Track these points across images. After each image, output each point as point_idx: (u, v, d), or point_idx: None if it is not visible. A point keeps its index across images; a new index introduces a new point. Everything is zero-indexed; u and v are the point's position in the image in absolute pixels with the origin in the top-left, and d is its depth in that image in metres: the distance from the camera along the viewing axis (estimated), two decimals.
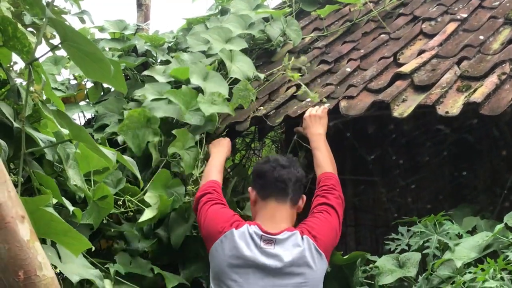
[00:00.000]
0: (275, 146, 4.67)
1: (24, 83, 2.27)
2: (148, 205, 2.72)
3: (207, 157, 2.97)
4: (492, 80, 2.84)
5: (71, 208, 2.13)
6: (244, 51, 3.53)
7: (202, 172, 2.88)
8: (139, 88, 3.27)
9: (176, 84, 3.29)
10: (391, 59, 3.41)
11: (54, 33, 3.23)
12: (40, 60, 2.17)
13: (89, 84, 3.62)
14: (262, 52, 3.88)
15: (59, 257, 2.06)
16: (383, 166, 3.54)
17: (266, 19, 3.87)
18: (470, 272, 2.33)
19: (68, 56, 3.32)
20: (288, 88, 3.42)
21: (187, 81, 3.21)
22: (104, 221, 2.54)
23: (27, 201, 1.76)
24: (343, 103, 3.03)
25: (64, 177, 2.25)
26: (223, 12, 4.00)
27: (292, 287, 2.25)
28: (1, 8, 2.30)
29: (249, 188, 2.49)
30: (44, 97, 2.30)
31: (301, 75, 3.42)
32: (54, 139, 2.18)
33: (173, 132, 2.94)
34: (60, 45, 1.87)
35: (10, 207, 1.49)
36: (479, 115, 2.72)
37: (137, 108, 3.01)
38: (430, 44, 3.39)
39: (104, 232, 2.71)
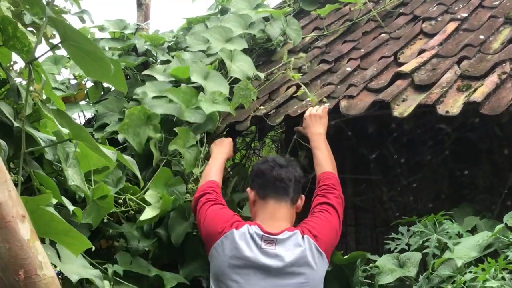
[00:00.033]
0: (275, 146, 4.67)
1: (24, 82, 2.27)
2: (149, 204, 2.72)
3: (207, 156, 2.97)
4: (492, 80, 2.84)
5: (71, 207, 2.12)
6: (244, 50, 3.54)
7: (202, 171, 2.88)
8: (137, 92, 3.27)
9: (177, 83, 3.29)
10: (391, 58, 3.41)
11: (54, 32, 3.23)
12: (40, 60, 2.17)
13: (89, 84, 3.62)
14: (262, 52, 3.88)
15: (59, 257, 2.05)
16: (383, 166, 3.54)
17: (266, 19, 3.87)
18: (470, 272, 2.33)
19: (68, 56, 3.32)
20: (288, 88, 3.42)
21: (188, 80, 3.21)
22: (105, 220, 2.53)
23: (28, 200, 1.76)
24: (343, 103, 3.03)
25: (64, 177, 2.24)
26: (223, 11, 4.00)
27: (293, 287, 2.24)
28: (1, 8, 2.30)
29: (248, 189, 2.48)
30: (44, 97, 2.30)
31: (301, 75, 3.42)
32: (54, 138, 2.18)
33: (175, 129, 2.94)
34: (60, 44, 1.87)
35: (10, 207, 1.49)
36: (480, 114, 2.72)
37: (137, 106, 3.01)
38: (430, 44, 3.39)
39: (104, 232, 2.71)
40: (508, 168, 3.18)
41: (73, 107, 3.40)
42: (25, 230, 1.51)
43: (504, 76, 2.86)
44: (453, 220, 2.75)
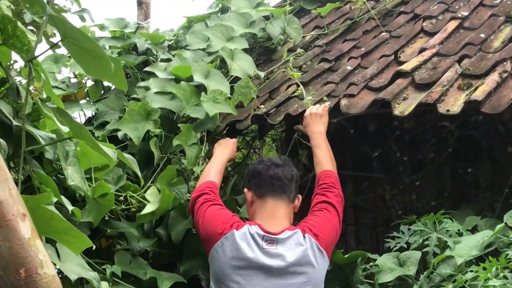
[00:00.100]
0: (276, 145, 4.66)
1: (24, 81, 2.27)
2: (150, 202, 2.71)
3: (208, 155, 2.97)
4: (493, 78, 2.83)
5: (70, 207, 2.12)
6: (244, 49, 3.53)
7: (203, 170, 2.87)
8: (139, 88, 3.27)
9: (177, 82, 3.29)
10: (392, 57, 3.41)
11: (55, 31, 3.23)
12: (41, 58, 2.17)
13: (90, 83, 3.62)
14: (262, 50, 3.88)
15: (58, 256, 2.05)
16: (385, 164, 3.54)
17: (266, 17, 3.86)
18: (471, 271, 2.33)
19: (68, 54, 3.32)
20: (288, 87, 3.41)
21: (188, 79, 3.21)
22: (106, 218, 2.53)
23: (28, 199, 1.75)
24: (343, 102, 3.03)
25: (65, 175, 2.24)
26: (224, 10, 3.99)
27: (295, 286, 2.24)
28: (1, 7, 2.29)
29: (245, 189, 2.47)
30: (44, 96, 2.29)
31: (301, 74, 3.42)
32: (54, 136, 2.18)
33: (179, 125, 2.95)
34: (60, 43, 1.86)
35: (11, 205, 1.49)
36: (481, 113, 2.71)
37: (137, 102, 3.01)
38: (431, 42, 3.39)
39: (104, 231, 2.71)
40: (511, 166, 3.18)
41: (74, 105, 3.39)
42: (25, 228, 1.50)
43: (505, 75, 2.86)
44: (453, 219, 2.75)
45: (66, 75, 3.57)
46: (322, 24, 4.04)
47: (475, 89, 2.80)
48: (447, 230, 2.64)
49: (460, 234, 2.65)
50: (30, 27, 3.16)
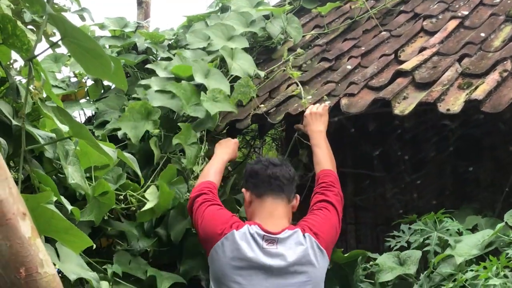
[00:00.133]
0: (276, 144, 4.66)
1: (24, 81, 2.27)
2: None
3: (207, 154, 2.96)
4: (493, 78, 2.83)
5: (69, 207, 2.12)
6: (245, 48, 3.53)
7: (202, 169, 2.87)
8: (139, 86, 3.27)
9: (178, 81, 3.29)
10: (392, 56, 3.41)
11: (54, 30, 3.23)
12: (41, 58, 2.17)
13: (90, 82, 3.62)
14: (262, 50, 3.88)
15: (58, 256, 2.05)
16: (384, 163, 3.53)
17: (266, 17, 3.86)
18: (472, 270, 2.32)
19: (68, 54, 3.32)
20: (288, 86, 3.41)
21: (188, 79, 3.21)
22: (105, 218, 2.53)
23: (28, 198, 1.75)
24: (344, 101, 3.03)
25: (65, 174, 2.24)
26: (224, 9, 3.99)
27: (296, 286, 2.23)
28: (0, 6, 2.29)
29: (243, 190, 2.46)
30: (44, 95, 2.29)
31: (301, 73, 3.42)
32: (54, 135, 2.18)
33: (179, 124, 2.95)
34: (60, 42, 1.86)
35: (11, 204, 1.49)
36: (481, 112, 2.71)
37: (138, 101, 3.01)
38: (431, 42, 3.39)
39: (104, 230, 2.71)
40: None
41: (74, 105, 3.39)
42: (26, 227, 1.50)
43: (505, 74, 2.86)
44: (453, 218, 2.75)
45: (66, 74, 3.58)
46: (322, 23, 4.04)
47: (476, 88, 2.80)
48: (447, 229, 2.64)
49: (460, 234, 2.65)
50: (30, 26, 3.16)
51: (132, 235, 2.75)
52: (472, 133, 3.24)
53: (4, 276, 1.49)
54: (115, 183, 2.63)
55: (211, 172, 2.66)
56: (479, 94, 2.72)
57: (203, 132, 3.08)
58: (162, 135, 3.03)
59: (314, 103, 2.99)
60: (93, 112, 3.42)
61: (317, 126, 2.79)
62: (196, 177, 2.90)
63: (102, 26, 3.79)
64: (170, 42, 3.79)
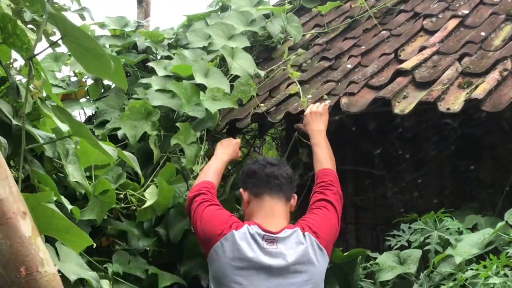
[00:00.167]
0: (276, 143, 4.66)
1: (24, 80, 2.27)
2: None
3: (207, 153, 2.96)
4: (493, 77, 2.83)
5: (69, 206, 2.12)
6: (245, 48, 3.53)
7: (202, 169, 2.87)
8: (139, 86, 3.27)
9: (178, 80, 3.29)
10: (392, 55, 3.41)
11: (55, 29, 3.23)
12: (40, 57, 2.17)
13: (90, 81, 3.62)
14: (262, 49, 3.88)
15: (58, 256, 2.05)
16: (385, 162, 3.53)
17: (266, 16, 3.87)
18: (472, 269, 2.32)
19: (68, 53, 3.32)
20: (288, 85, 3.41)
21: (188, 78, 3.21)
22: (105, 217, 2.53)
23: (29, 197, 1.75)
24: (344, 100, 3.03)
25: (65, 173, 2.24)
26: (224, 8, 4.00)
27: (296, 285, 2.23)
28: (1, 5, 2.29)
29: (240, 190, 2.46)
30: (44, 94, 2.29)
31: (300, 73, 3.41)
32: (53, 136, 2.18)
33: (177, 124, 2.95)
34: (60, 41, 1.86)
35: (11, 203, 1.49)
36: (481, 111, 2.71)
37: (139, 100, 3.01)
38: (431, 41, 3.38)
39: (104, 229, 2.71)
40: None
41: (74, 104, 3.39)
42: (26, 226, 1.50)
43: (505, 73, 2.86)
44: (453, 217, 2.75)
45: (66, 74, 3.58)
46: (322, 22, 4.03)
47: (476, 87, 2.80)
48: (448, 228, 2.64)
49: (460, 233, 2.65)
50: (30, 26, 3.16)
51: (132, 234, 2.75)
52: (472, 132, 3.24)
53: (4, 275, 1.49)
54: (115, 182, 2.62)
55: (210, 172, 2.65)
56: (479, 93, 2.72)
57: (203, 131, 3.08)
58: (162, 135, 3.03)
59: (314, 102, 2.99)
60: (93, 112, 3.42)
61: (317, 125, 2.79)
62: (196, 177, 2.89)
63: (102, 25, 3.79)
64: (170, 41, 3.79)
